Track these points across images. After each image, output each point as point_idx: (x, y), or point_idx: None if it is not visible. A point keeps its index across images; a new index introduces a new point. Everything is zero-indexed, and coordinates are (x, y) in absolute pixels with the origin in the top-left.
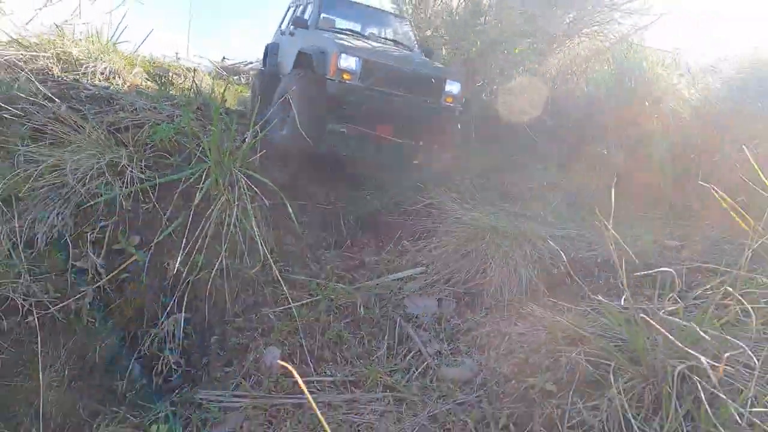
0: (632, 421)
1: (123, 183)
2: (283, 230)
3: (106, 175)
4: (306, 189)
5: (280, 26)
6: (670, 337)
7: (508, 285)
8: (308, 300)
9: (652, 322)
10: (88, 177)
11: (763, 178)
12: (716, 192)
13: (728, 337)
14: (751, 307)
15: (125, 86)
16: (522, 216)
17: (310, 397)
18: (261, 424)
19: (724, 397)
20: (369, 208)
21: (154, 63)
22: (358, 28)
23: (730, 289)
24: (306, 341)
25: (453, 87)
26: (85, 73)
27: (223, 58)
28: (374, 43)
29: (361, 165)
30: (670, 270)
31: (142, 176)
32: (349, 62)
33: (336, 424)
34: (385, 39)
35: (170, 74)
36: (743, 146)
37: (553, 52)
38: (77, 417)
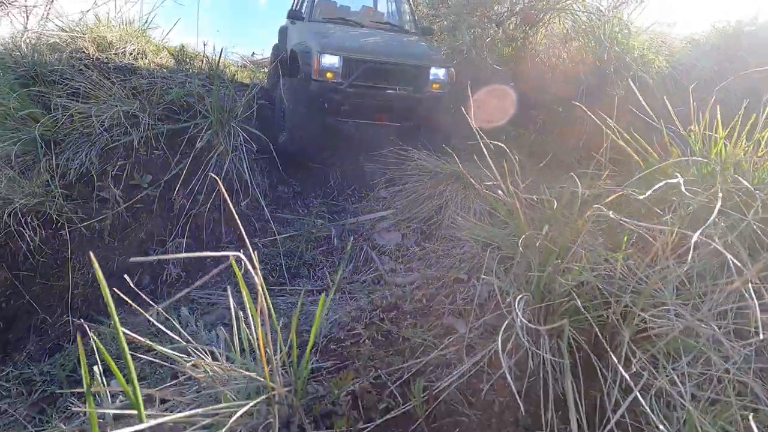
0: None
1: (138, 131)
2: (277, 180)
3: (126, 124)
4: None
5: (291, 8)
6: (518, 206)
7: (462, 219)
8: (292, 234)
9: (505, 198)
10: (108, 124)
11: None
12: (613, 131)
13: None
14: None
15: (150, 64)
16: (488, 167)
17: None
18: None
19: (555, 249)
20: (356, 164)
21: (181, 50)
22: (354, 9)
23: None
24: (286, 262)
25: (438, 73)
26: (116, 53)
27: (252, 53)
28: (367, 30)
29: (357, 137)
30: None
31: (154, 123)
32: (330, 61)
33: (300, 313)
34: (380, 23)
35: (193, 60)
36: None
37: (530, 29)
38: (98, 309)
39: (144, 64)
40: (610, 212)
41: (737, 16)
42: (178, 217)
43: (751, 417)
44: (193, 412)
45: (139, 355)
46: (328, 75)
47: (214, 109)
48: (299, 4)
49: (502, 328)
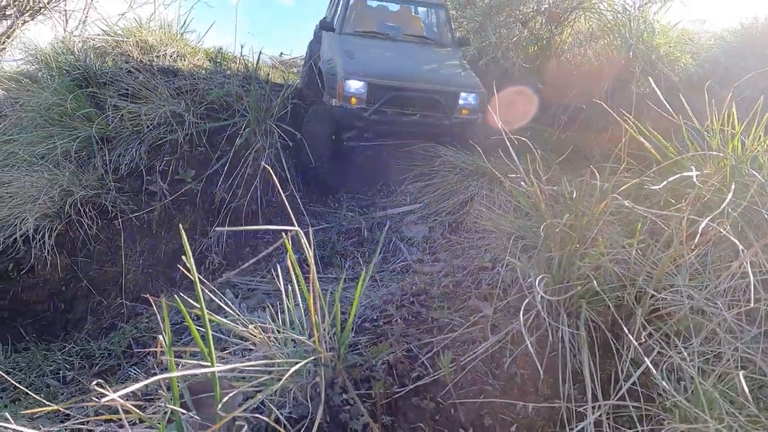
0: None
1: (183, 129)
2: (310, 176)
3: (172, 122)
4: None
5: (329, 7)
6: (539, 196)
7: (488, 211)
8: (324, 226)
9: (528, 189)
10: (156, 122)
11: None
12: (624, 119)
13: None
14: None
15: (189, 66)
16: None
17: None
18: (277, 298)
19: (574, 235)
20: (386, 160)
21: (217, 53)
22: (393, 9)
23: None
24: (319, 252)
25: (468, 99)
26: (158, 56)
27: (281, 53)
28: (399, 45)
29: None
30: None
31: (197, 122)
32: (355, 86)
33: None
34: (413, 36)
35: (228, 61)
36: (649, 78)
37: (556, 28)
38: (148, 292)
39: (184, 65)
40: (626, 201)
41: (765, 14)
42: (218, 210)
43: (741, 374)
44: (255, 363)
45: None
46: (352, 101)
47: (251, 109)
48: (333, 9)
49: (524, 307)
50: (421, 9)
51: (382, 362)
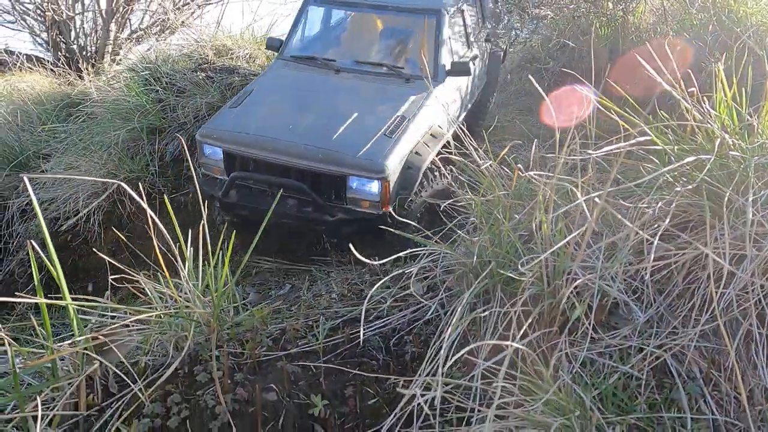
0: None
1: None
2: None
3: (210, 114)
4: None
5: None
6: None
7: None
8: None
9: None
10: (195, 114)
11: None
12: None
13: None
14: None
15: (253, 66)
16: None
17: None
18: (278, 275)
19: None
20: None
21: None
22: (364, 38)
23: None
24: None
25: (366, 187)
26: (231, 57)
27: None
28: (341, 79)
29: None
30: None
31: None
32: (211, 153)
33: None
34: (367, 63)
35: None
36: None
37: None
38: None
39: (247, 65)
40: (529, 172)
41: None
42: None
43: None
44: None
45: None
46: (215, 170)
47: None
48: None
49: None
50: (406, 17)
51: (276, 328)
